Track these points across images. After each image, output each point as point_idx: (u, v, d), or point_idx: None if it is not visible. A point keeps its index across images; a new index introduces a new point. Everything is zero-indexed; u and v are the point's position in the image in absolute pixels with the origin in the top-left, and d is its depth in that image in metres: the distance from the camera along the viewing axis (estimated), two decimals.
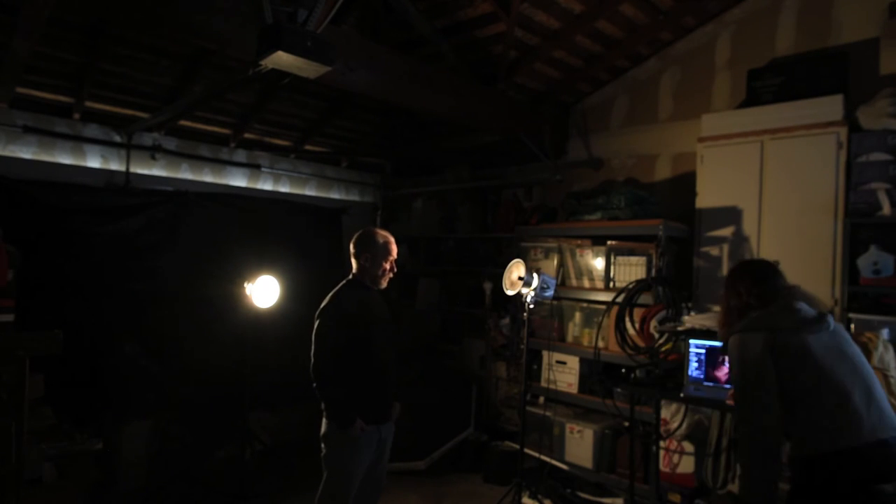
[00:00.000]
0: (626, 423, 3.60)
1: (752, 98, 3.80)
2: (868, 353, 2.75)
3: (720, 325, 2.33)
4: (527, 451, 3.83)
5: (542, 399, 4.34)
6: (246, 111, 4.73)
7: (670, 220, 3.92)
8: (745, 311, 2.19)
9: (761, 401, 2.01)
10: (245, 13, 2.89)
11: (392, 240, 2.82)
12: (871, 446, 1.90)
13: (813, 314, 2.11)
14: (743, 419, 2.14)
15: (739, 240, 3.65)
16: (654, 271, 3.79)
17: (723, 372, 3.00)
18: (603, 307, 3.91)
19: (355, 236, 2.82)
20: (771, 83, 3.73)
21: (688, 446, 3.58)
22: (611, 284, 4.11)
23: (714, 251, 3.75)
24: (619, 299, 3.59)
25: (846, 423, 1.93)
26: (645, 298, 3.63)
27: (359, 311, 2.70)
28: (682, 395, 2.98)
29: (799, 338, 2.04)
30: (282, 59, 2.60)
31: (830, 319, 2.10)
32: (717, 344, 2.97)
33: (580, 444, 4.08)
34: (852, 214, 3.27)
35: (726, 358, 2.98)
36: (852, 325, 3.19)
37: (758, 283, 2.21)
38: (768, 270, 2.28)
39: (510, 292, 3.59)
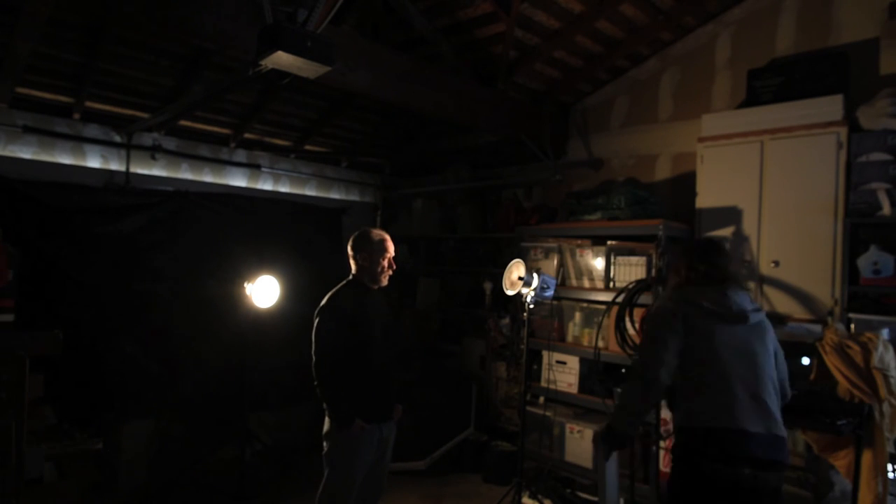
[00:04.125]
0: None
1: (752, 98, 3.80)
2: (868, 353, 2.75)
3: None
4: (527, 450, 3.83)
5: (542, 399, 4.34)
6: (246, 111, 4.73)
7: (670, 220, 3.92)
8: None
9: (658, 355, 2.21)
10: (245, 13, 2.89)
11: (388, 237, 2.85)
12: (738, 433, 2.07)
13: (737, 307, 2.21)
14: (638, 364, 2.35)
15: (739, 240, 3.65)
16: (654, 271, 3.79)
17: None
18: (603, 307, 3.91)
19: (352, 237, 2.85)
20: (771, 83, 3.73)
21: None
22: (611, 284, 4.11)
23: None
24: (619, 299, 3.59)
25: (724, 407, 2.11)
26: (645, 298, 3.62)
27: (357, 310, 2.71)
28: None
29: (707, 322, 2.20)
30: (282, 59, 2.60)
31: (754, 317, 2.22)
32: None
33: (580, 444, 4.08)
34: (852, 214, 3.27)
35: None
36: (852, 326, 3.19)
37: (699, 261, 2.34)
38: (711, 248, 2.40)
39: (510, 292, 3.59)
